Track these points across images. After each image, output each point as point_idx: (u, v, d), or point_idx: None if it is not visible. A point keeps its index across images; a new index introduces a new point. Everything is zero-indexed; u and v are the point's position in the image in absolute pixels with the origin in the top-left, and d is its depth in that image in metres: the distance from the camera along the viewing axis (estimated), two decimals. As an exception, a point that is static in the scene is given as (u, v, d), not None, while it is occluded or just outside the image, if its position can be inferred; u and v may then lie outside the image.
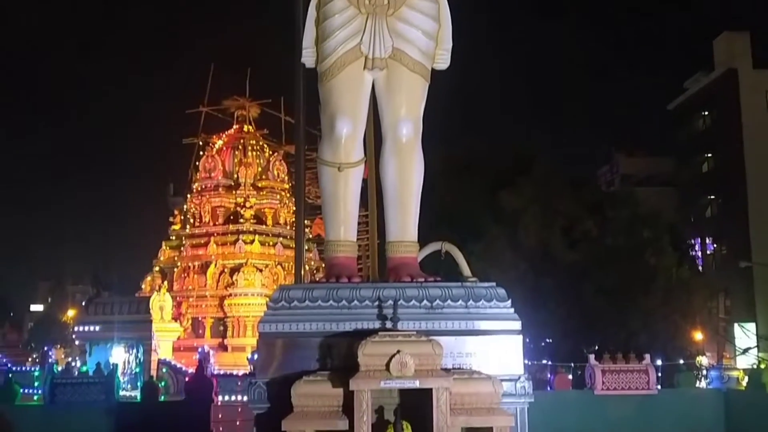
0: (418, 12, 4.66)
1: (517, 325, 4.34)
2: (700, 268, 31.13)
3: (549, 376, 14.27)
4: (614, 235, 22.32)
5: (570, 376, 12.72)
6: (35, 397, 14.55)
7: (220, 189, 22.42)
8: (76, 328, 18.48)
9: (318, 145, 4.79)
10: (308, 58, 4.84)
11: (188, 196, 23.03)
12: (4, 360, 23.08)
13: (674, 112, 40.84)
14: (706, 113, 37.85)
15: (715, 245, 35.62)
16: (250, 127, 24.03)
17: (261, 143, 23.84)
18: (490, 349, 4.23)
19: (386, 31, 4.61)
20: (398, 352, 3.59)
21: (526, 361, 6.61)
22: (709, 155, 37.27)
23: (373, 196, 5.65)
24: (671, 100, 40.91)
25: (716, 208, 36.39)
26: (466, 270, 5.15)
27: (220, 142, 23.50)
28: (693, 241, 34.66)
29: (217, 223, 21.91)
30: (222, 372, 16.14)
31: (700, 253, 35.08)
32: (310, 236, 21.51)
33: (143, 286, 21.79)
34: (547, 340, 21.31)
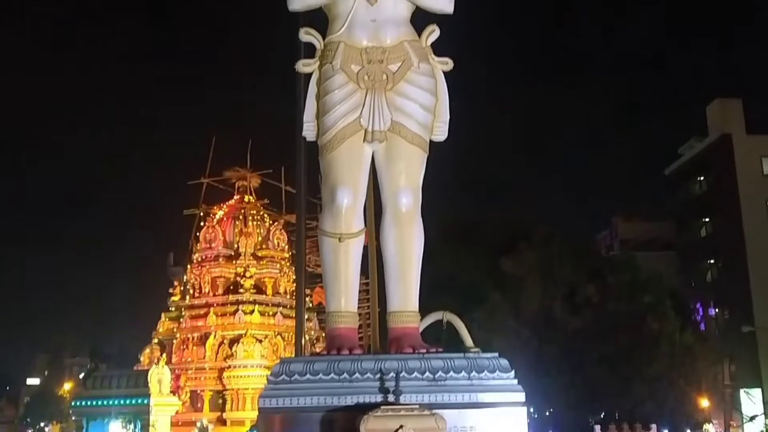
0: (416, 87, 4.76)
1: (521, 396, 4.29)
2: (704, 333, 30.85)
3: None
4: (616, 300, 22.25)
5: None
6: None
7: (221, 259, 22.46)
8: (73, 403, 18.20)
9: (318, 215, 4.82)
10: (309, 131, 4.92)
11: (188, 266, 23.04)
12: (-1, 437, 22.60)
13: (670, 177, 41.26)
14: (702, 178, 38.22)
15: (717, 309, 35.42)
16: (251, 197, 24.24)
17: (261, 213, 24.00)
18: (494, 422, 4.16)
19: (385, 105, 4.69)
20: (401, 427, 3.54)
21: (531, 433, 6.50)
22: (707, 220, 37.45)
23: (373, 264, 5.66)
24: (667, 166, 41.34)
25: (717, 272, 36.34)
26: (468, 340, 5.11)
27: (221, 213, 23.66)
28: (695, 306, 34.46)
29: (216, 293, 21.86)
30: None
31: (702, 318, 34.83)
32: (311, 305, 21.42)
33: (142, 359, 21.56)
34: (551, 410, 20.94)
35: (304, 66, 4.89)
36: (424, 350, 4.46)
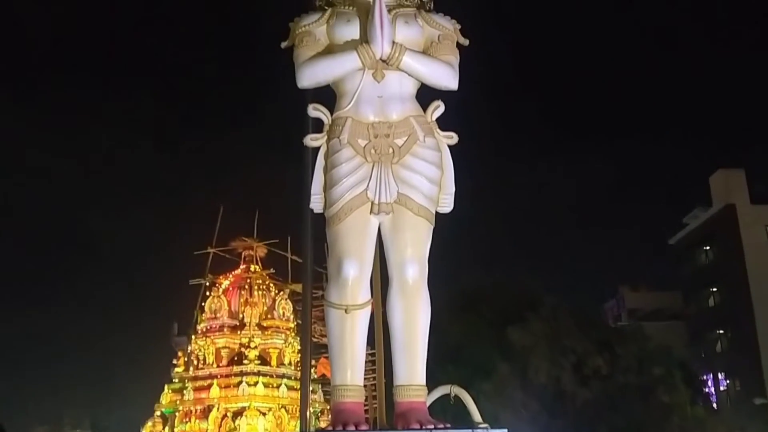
0: (421, 160, 4.84)
1: (530, 473, 4.21)
2: (715, 405, 30.27)
3: None
4: (624, 372, 21.94)
5: None
6: None
7: (225, 329, 22.28)
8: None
9: (324, 284, 4.83)
10: (316, 203, 4.98)
11: (193, 336, 22.85)
12: None
13: (676, 247, 41.22)
14: (708, 248, 38.17)
15: (728, 381, 34.83)
16: (257, 267, 24.22)
17: (267, 282, 23.94)
18: (504, 498, 4.08)
19: (391, 178, 4.77)
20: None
21: None
22: (715, 289, 37.20)
23: (379, 335, 5.64)
24: (672, 235, 41.34)
25: (726, 343, 35.90)
26: (476, 415, 5.06)
27: (226, 282, 23.61)
28: (705, 377, 33.91)
29: (221, 364, 21.59)
30: None
31: (713, 390, 34.21)
32: (315, 376, 21.12)
33: (143, 432, 21.18)
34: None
35: (312, 140, 4.99)
36: (432, 426, 4.41)
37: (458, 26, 5.15)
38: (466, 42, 5.15)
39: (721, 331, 35.90)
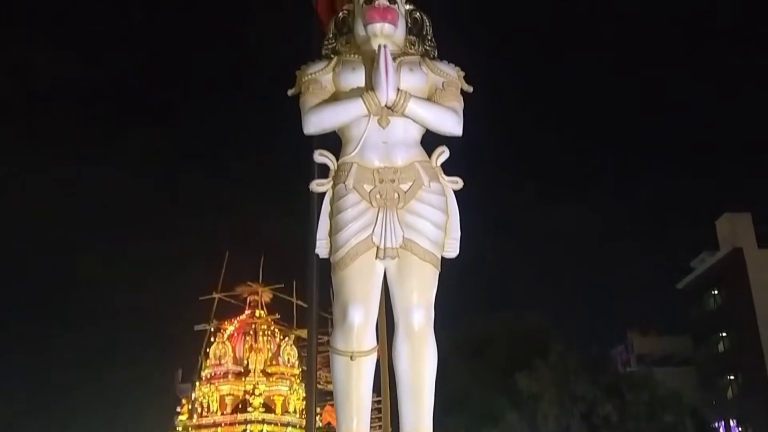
0: (427, 205, 4.86)
1: None
2: (728, 453, 29.68)
3: None
4: (635, 419, 21.63)
5: None
6: None
7: (230, 376, 22.10)
8: None
9: (329, 330, 4.81)
10: (322, 249, 4.98)
11: (197, 383, 22.65)
12: None
13: (684, 291, 40.94)
14: (716, 292, 37.90)
15: (740, 428, 34.23)
16: (262, 312, 24.13)
17: (272, 328, 23.82)
18: None
19: (397, 222, 4.78)
20: None
21: None
22: (724, 334, 36.83)
23: (385, 382, 5.58)
24: (679, 279, 41.11)
25: (737, 389, 35.38)
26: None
27: (231, 328, 23.50)
28: (717, 425, 33.35)
29: (225, 412, 21.36)
30: None
31: (726, 437, 33.61)
32: (320, 424, 20.85)
33: (145, 482, 20.86)
34: None
35: (318, 186, 5.02)
36: (439, 473, 4.34)
37: (462, 73, 5.22)
38: (470, 89, 5.22)
39: (732, 377, 35.39)
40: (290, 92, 5.17)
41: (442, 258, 4.93)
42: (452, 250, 4.99)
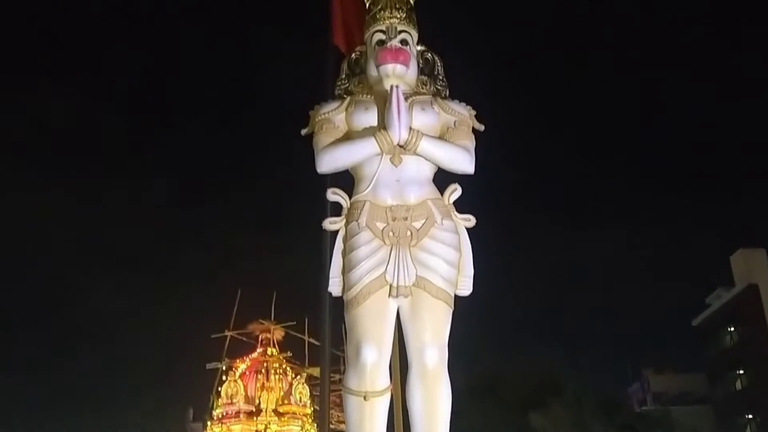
0: (439, 242, 4.86)
1: None
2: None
3: None
4: (653, 460, 21.22)
5: None
6: None
7: (241, 415, 21.91)
8: None
9: (341, 368, 4.79)
10: (335, 287, 4.99)
11: (208, 422, 22.47)
12: None
13: (700, 328, 40.49)
14: (732, 329, 37.45)
15: (761, 469, 33.50)
16: (274, 350, 24.00)
17: (284, 366, 23.67)
18: None
19: (410, 260, 4.78)
20: None
21: None
22: (741, 372, 36.29)
23: (399, 421, 5.53)
24: (694, 316, 40.70)
25: (756, 427, 34.72)
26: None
27: (243, 366, 23.38)
28: (737, 465, 32.66)
29: (236, 452, 21.14)
30: None
31: (746, 478, 32.92)
32: (333, 464, 20.56)
33: None
34: None
35: (331, 224, 5.05)
36: None
37: (474, 112, 5.27)
38: (481, 127, 5.27)
39: (750, 416, 34.78)
40: (304, 132, 5.24)
41: (456, 296, 4.93)
42: (465, 288, 4.97)
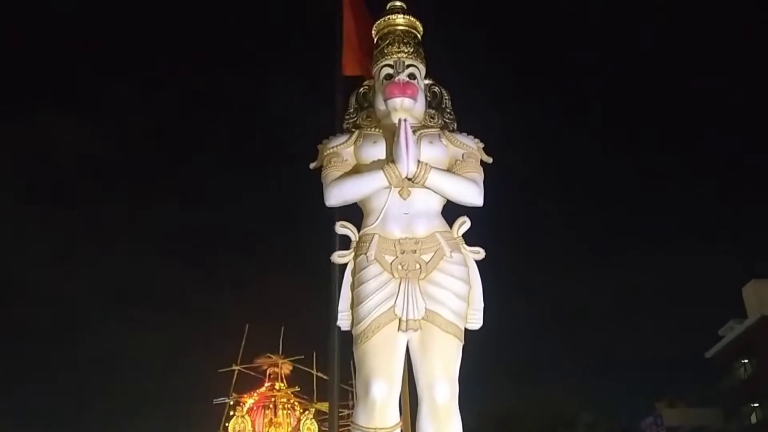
0: (448, 275, 4.83)
1: None
2: None
3: None
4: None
5: None
6: None
7: (249, 451, 21.68)
8: None
9: (350, 403, 4.73)
10: (344, 321, 4.96)
11: (216, 459, 22.23)
12: None
13: (713, 361, 40.03)
14: (746, 361, 37.01)
15: (778, 504, 32.82)
16: (282, 385, 23.80)
17: (292, 401, 23.44)
18: None
19: (419, 294, 4.74)
20: None
21: None
22: (756, 405, 35.79)
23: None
24: (707, 348, 40.27)
25: (774, 463, 34.05)
26: None
27: (250, 401, 23.17)
28: (754, 501, 32.02)
29: (244, 489, 20.86)
30: None
31: None
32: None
33: None
34: None
35: (339, 257, 5.03)
36: None
37: (482, 145, 5.28)
38: (489, 160, 5.27)
39: (767, 450, 34.20)
40: (312, 165, 5.25)
41: (466, 330, 4.88)
42: (476, 322, 4.93)
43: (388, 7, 5.58)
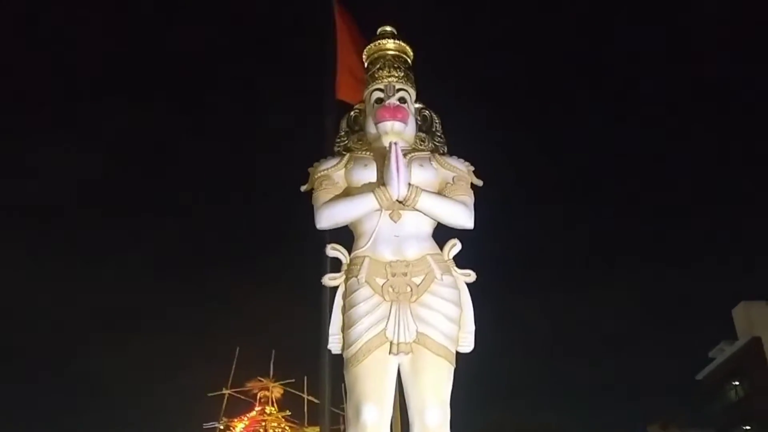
0: (439, 298, 4.83)
1: None
2: None
3: None
4: None
5: None
6: None
7: (239, 476, 21.44)
8: None
9: (341, 427, 4.70)
10: (334, 344, 4.93)
11: (205, 484, 21.95)
12: None
13: (704, 383, 39.99)
14: (737, 383, 36.98)
15: None
16: (273, 409, 23.60)
17: (283, 425, 23.23)
18: None
19: (410, 316, 4.73)
20: None
21: None
22: (748, 428, 35.69)
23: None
24: (698, 370, 40.24)
25: (767, 486, 33.90)
26: None
27: (241, 426, 22.95)
28: None
29: None
30: None
31: None
32: None
33: None
34: None
35: (330, 280, 5.02)
36: None
37: (472, 168, 5.30)
38: (480, 182, 5.29)
39: (759, 473, 34.07)
40: (303, 188, 5.26)
41: (457, 353, 4.87)
42: (467, 345, 4.91)
43: (378, 32, 5.64)
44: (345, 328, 4.84)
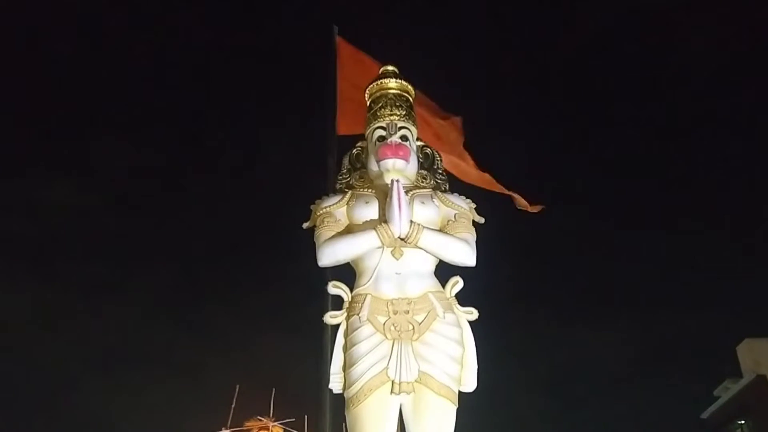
0: (441, 336, 4.79)
1: None
2: None
3: None
4: None
5: None
6: None
7: None
8: None
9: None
10: (336, 383, 4.89)
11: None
12: None
13: (709, 422, 39.51)
14: (743, 422, 36.55)
15: None
16: (272, 449, 23.33)
17: (282, 465, 22.94)
18: None
19: (412, 355, 4.69)
20: None
21: None
22: (756, 467, 35.13)
23: None
24: (703, 409, 39.78)
25: None
26: None
27: (240, 464, 22.66)
28: None
29: None
30: None
31: None
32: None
33: None
34: None
35: (331, 318, 4.99)
36: None
37: (473, 205, 5.32)
38: (481, 220, 5.29)
39: None
40: (305, 225, 5.26)
41: (460, 392, 4.81)
42: (469, 384, 4.87)
43: (380, 71, 5.69)
44: (346, 367, 4.80)
